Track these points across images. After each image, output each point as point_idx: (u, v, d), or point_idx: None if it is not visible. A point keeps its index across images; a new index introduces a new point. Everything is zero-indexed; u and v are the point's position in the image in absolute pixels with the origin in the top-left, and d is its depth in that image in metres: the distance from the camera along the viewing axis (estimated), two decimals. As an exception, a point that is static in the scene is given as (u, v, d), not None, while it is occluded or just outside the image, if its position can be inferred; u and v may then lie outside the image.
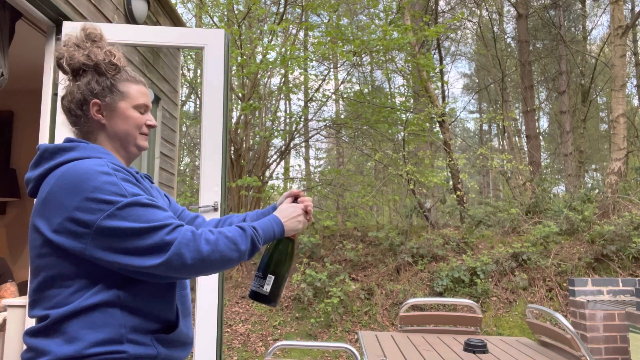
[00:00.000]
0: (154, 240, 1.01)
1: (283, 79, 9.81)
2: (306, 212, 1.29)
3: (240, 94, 8.83)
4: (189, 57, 11.03)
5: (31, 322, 2.49)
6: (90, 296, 1.03)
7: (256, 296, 1.23)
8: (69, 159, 1.09)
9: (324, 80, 9.91)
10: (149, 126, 1.24)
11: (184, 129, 13.80)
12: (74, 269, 1.03)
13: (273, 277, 1.22)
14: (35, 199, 1.11)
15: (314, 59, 9.71)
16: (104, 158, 1.10)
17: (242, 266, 7.48)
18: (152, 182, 1.36)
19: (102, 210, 1.00)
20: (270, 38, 9.43)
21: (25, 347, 1.07)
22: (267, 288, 1.21)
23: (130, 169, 1.17)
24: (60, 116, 2.64)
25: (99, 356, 1.00)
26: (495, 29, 15.21)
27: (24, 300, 2.56)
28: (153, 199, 1.09)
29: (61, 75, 2.63)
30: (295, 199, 1.34)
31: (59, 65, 1.19)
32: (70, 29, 2.69)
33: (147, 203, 1.05)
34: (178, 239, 1.02)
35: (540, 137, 17.15)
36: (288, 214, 1.23)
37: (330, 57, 10.96)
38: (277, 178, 11.17)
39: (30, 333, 1.06)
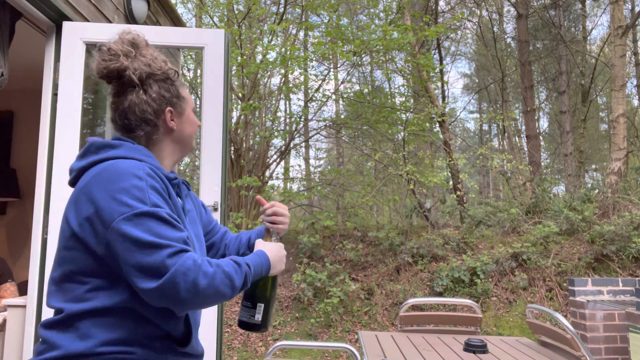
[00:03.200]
0: (154, 259, 0.99)
1: (283, 79, 9.82)
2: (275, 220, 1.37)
3: (240, 94, 8.83)
4: (189, 57, 11.03)
5: (32, 320, 2.49)
6: (106, 298, 1.04)
7: (247, 326, 1.24)
8: (112, 156, 1.11)
9: (324, 80, 9.91)
10: (198, 126, 1.33)
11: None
12: (95, 266, 1.04)
13: (262, 305, 1.23)
14: (73, 189, 1.14)
15: (314, 59, 9.71)
16: (145, 161, 1.11)
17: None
18: (190, 189, 1.36)
19: (120, 212, 1.01)
20: (270, 38, 9.43)
21: (39, 339, 1.08)
22: (259, 317, 1.23)
23: (170, 175, 1.17)
24: (63, 117, 2.63)
25: (108, 355, 1.01)
26: (495, 29, 15.21)
27: (24, 300, 2.56)
28: (173, 215, 1.07)
29: (61, 75, 2.64)
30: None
31: (119, 76, 1.18)
32: (71, 29, 2.69)
33: (164, 217, 1.03)
34: (176, 266, 0.99)
35: (540, 137, 17.14)
36: (275, 255, 1.25)
37: (330, 57, 10.95)
38: (277, 178, 11.18)
39: (45, 325, 1.07)
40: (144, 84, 1.19)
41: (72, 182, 1.16)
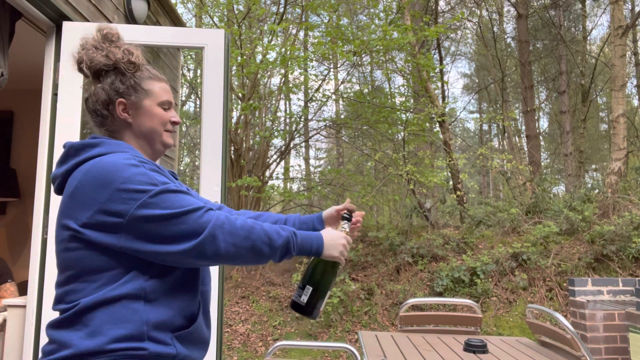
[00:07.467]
0: (188, 224, 1.02)
1: (283, 79, 9.81)
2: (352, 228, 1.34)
3: (240, 94, 8.83)
4: (189, 57, 11.03)
5: (32, 320, 2.49)
6: (115, 288, 1.03)
7: (294, 306, 1.26)
8: (94, 155, 1.10)
9: (324, 80, 9.91)
10: (174, 123, 1.26)
11: (184, 129, 13.80)
12: (102, 262, 1.04)
13: (311, 288, 1.24)
14: (61, 196, 1.12)
15: (314, 59, 9.71)
16: (128, 152, 1.12)
17: (243, 266, 7.47)
18: (177, 179, 1.37)
19: (134, 200, 1.02)
20: (270, 38, 9.43)
21: (47, 339, 1.07)
22: (304, 299, 1.24)
23: (156, 163, 1.19)
24: (63, 117, 2.63)
25: (119, 352, 1.01)
26: (495, 29, 15.20)
27: (24, 300, 2.56)
28: (180, 186, 1.10)
29: (61, 75, 2.63)
30: (349, 214, 1.37)
31: (79, 70, 1.20)
32: (71, 29, 2.69)
33: (177, 190, 1.07)
34: (212, 221, 1.04)
35: (540, 137, 17.14)
36: (332, 239, 1.21)
37: (330, 57, 10.95)
38: (277, 178, 11.17)
39: (53, 325, 1.06)
40: (100, 75, 1.19)
41: (59, 189, 1.14)
